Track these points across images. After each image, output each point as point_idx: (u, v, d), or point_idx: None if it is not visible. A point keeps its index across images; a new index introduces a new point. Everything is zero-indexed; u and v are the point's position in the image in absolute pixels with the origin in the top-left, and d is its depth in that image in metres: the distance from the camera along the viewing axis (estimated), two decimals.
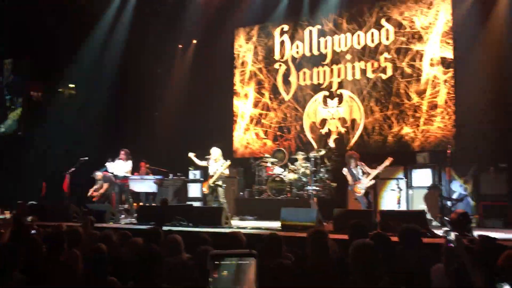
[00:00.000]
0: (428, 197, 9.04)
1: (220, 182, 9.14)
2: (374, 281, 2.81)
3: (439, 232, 6.63)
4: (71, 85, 13.95)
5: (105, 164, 10.39)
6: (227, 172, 9.24)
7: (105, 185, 10.95)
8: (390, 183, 9.42)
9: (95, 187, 11.12)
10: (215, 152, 9.28)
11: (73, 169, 10.68)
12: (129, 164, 10.29)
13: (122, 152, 10.27)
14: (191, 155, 9.61)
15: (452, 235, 3.59)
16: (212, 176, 9.15)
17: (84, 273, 3.47)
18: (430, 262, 3.52)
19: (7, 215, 9.56)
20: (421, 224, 5.87)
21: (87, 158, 10.81)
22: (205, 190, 9.36)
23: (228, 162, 9.14)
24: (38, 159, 11.84)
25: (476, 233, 5.87)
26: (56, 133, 12.39)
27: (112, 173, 10.36)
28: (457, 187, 8.92)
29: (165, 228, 5.32)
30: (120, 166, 10.18)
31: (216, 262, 1.45)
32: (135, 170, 11.09)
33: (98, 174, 11.04)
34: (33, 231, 5.69)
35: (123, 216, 9.94)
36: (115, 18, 12.89)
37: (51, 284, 3.49)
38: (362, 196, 8.40)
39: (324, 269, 3.14)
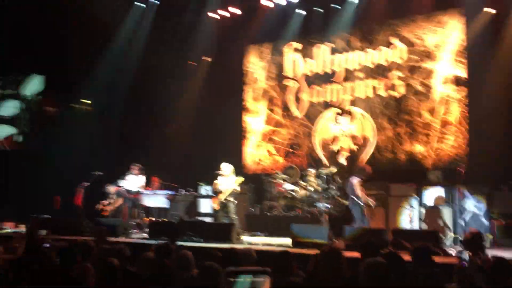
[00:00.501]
0: (427, 217, 8.89)
1: (231, 198, 9.13)
2: None
3: (452, 251, 6.57)
4: (86, 101, 14.16)
5: (118, 180, 10.43)
6: (239, 188, 9.25)
7: (119, 200, 10.98)
8: (404, 201, 9.34)
9: (107, 201, 11.15)
10: (226, 168, 9.29)
11: (87, 183, 10.76)
12: (142, 179, 10.33)
13: (135, 167, 10.30)
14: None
15: (466, 255, 3.58)
16: (222, 192, 9.14)
17: (96, 287, 3.49)
18: (441, 281, 3.50)
19: (22, 228, 9.66)
20: (434, 243, 5.82)
21: (101, 173, 10.89)
22: (216, 206, 9.34)
23: (242, 179, 9.15)
24: (52, 174, 11.96)
25: (489, 252, 5.81)
26: (71, 147, 12.54)
27: (124, 188, 10.40)
28: (471, 206, 8.82)
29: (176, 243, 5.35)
30: (133, 181, 10.21)
31: (230, 279, 1.48)
32: (147, 184, 11.15)
33: (111, 188, 11.10)
34: (46, 245, 5.75)
35: (135, 231, 9.96)
36: (130, 34, 13.12)
37: None
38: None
39: (336, 286, 3.14)
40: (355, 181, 8.70)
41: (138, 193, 10.16)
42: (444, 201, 8.83)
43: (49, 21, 12.22)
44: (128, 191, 10.23)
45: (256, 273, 1.46)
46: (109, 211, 10.85)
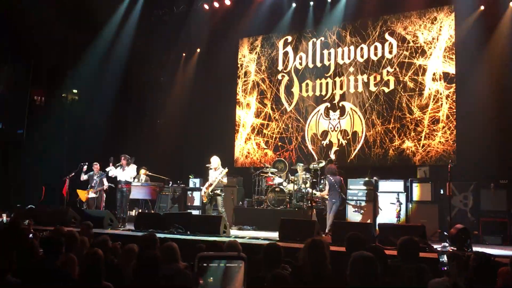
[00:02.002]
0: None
1: (218, 191, 9.09)
2: None
3: (438, 247, 6.60)
4: (74, 91, 14.01)
5: (106, 170, 10.30)
6: (225, 180, 9.20)
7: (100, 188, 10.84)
8: (390, 197, 9.39)
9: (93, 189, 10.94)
10: (215, 161, 9.25)
11: (72, 174, 10.66)
12: (132, 170, 10.12)
13: (123, 158, 10.14)
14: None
15: (445, 257, 3.57)
16: (211, 184, 9.10)
17: (80, 277, 3.44)
18: (427, 276, 3.50)
19: (4, 218, 9.54)
20: (420, 238, 5.84)
21: (87, 163, 10.79)
22: (204, 199, 9.29)
23: (226, 170, 9.11)
24: (38, 164, 11.83)
25: (474, 249, 5.85)
26: (57, 138, 12.40)
27: (115, 176, 10.26)
28: (457, 202, 8.88)
29: (161, 235, 5.30)
30: (124, 172, 10.03)
31: (204, 264, 1.44)
32: (136, 176, 11.04)
33: (95, 169, 10.86)
34: (30, 235, 5.67)
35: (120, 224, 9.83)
36: (120, 25, 12.97)
37: (46, 287, 3.46)
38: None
39: (321, 279, 3.12)
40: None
41: (127, 183, 10.02)
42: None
43: (37, 9, 12.03)
44: (119, 182, 10.07)
45: (231, 258, 1.42)
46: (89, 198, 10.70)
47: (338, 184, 9.00)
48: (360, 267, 2.82)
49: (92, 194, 10.71)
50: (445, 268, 3.51)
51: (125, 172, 9.98)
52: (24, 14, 11.92)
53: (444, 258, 3.60)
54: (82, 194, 10.73)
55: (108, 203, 10.86)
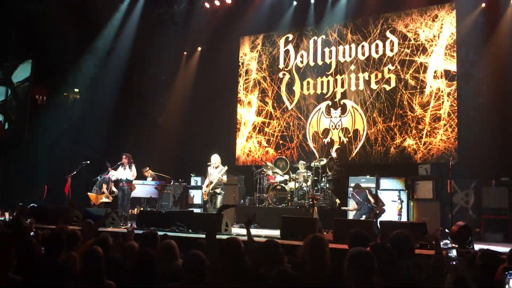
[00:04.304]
0: None
1: (218, 189, 9.07)
2: None
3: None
4: (75, 90, 14.02)
5: (109, 169, 10.28)
6: (225, 178, 9.19)
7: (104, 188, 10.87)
8: (391, 195, 9.39)
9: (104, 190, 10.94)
10: (215, 159, 9.25)
11: (74, 172, 10.67)
12: (133, 169, 10.14)
13: (124, 157, 10.14)
14: None
15: (454, 252, 3.57)
16: (211, 182, 9.09)
17: (81, 275, 3.44)
18: (424, 272, 3.49)
19: (6, 216, 9.57)
20: (422, 236, 5.83)
21: (88, 162, 10.81)
22: (204, 197, 9.31)
23: (225, 168, 9.09)
24: (40, 162, 11.85)
25: (477, 246, 5.85)
26: (59, 136, 12.42)
27: (116, 177, 10.27)
28: (459, 200, 8.87)
29: (160, 233, 5.30)
30: (124, 171, 10.04)
31: None
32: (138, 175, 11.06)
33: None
34: (31, 233, 5.69)
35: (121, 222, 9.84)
36: (121, 24, 12.96)
37: (47, 285, 3.47)
38: None
39: (321, 276, 3.12)
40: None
41: (129, 181, 10.05)
42: None
43: (39, 7, 12.05)
44: (120, 180, 10.08)
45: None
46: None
47: (364, 199, 9.07)
48: (357, 263, 2.81)
49: (105, 199, 10.72)
50: (454, 263, 3.51)
51: (126, 171, 9.98)
52: (25, 12, 11.96)
53: (453, 253, 3.61)
54: (94, 198, 10.71)
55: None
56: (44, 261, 4.08)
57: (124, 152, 10.25)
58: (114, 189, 10.80)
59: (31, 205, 10.09)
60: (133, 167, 10.09)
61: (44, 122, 12.51)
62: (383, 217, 9.14)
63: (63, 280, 3.51)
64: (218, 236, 7.15)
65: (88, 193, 10.76)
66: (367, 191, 9.21)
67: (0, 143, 13.14)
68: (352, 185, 9.87)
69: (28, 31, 12.44)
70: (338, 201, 10.17)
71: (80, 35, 12.50)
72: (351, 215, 9.50)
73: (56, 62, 12.71)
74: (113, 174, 10.07)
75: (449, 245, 6.18)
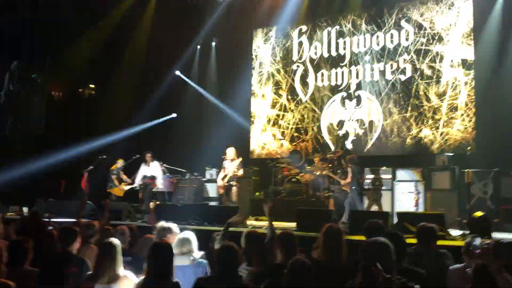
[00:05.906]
0: None
1: (234, 182, 9.09)
2: None
3: (457, 234, 6.53)
4: (91, 85, 14.16)
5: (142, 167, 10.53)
6: (241, 172, 9.21)
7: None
8: (408, 186, 9.30)
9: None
10: (230, 152, 9.27)
11: (91, 167, 10.78)
12: (157, 165, 10.54)
13: (147, 154, 10.52)
14: None
15: (478, 241, 3.53)
16: (226, 175, 9.12)
17: (96, 266, 3.48)
18: (446, 262, 3.45)
19: (25, 211, 9.71)
20: (439, 226, 5.75)
21: (105, 156, 10.92)
22: (220, 190, 9.34)
23: (240, 159, 9.10)
24: (57, 158, 11.97)
25: (495, 236, 5.76)
26: (75, 132, 12.54)
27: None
28: (477, 190, 8.74)
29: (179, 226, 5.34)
30: (149, 167, 10.42)
31: None
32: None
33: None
34: (50, 227, 5.76)
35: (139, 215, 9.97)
36: (135, 18, 13.00)
37: (63, 276, 3.52)
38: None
39: (336, 265, 3.09)
40: None
41: (152, 177, 10.30)
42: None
43: (53, 3, 12.17)
44: (145, 176, 10.38)
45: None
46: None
47: (358, 172, 8.98)
48: (374, 253, 2.78)
49: (126, 187, 10.90)
50: (478, 251, 3.48)
51: (150, 168, 10.32)
52: (40, 8, 12.07)
53: (477, 241, 3.57)
54: (117, 191, 10.90)
55: (127, 195, 10.99)
56: (60, 254, 4.13)
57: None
58: (125, 177, 10.97)
59: (49, 199, 10.24)
60: (156, 164, 10.39)
61: (60, 118, 12.65)
62: (400, 208, 9.06)
63: (78, 270, 3.56)
64: (235, 229, 7.19)
65: (108, 190, 10.91)
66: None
67: (22, 140, 13.33)
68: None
69: (42, 28, 12.55)
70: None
71: (95, 31, 12.59)
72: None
73: (72, 58, 12.83)
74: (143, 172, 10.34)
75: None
